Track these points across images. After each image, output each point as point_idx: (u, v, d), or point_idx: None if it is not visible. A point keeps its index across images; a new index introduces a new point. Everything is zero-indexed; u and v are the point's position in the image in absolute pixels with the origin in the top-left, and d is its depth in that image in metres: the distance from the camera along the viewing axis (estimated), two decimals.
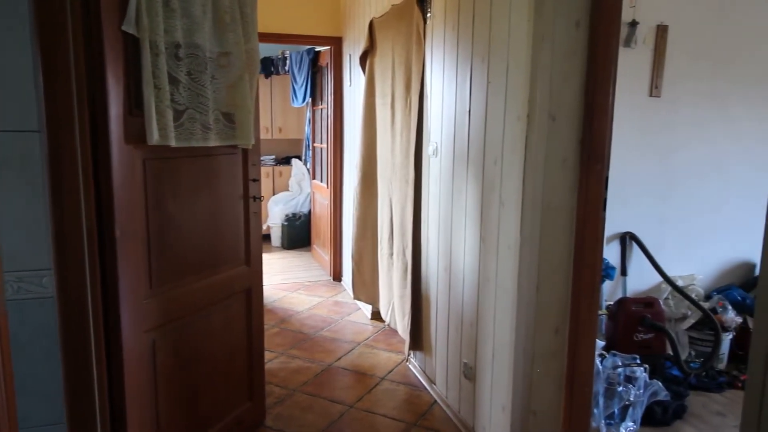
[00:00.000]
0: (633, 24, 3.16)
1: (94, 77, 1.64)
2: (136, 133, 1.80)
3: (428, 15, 2.87)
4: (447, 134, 2.69)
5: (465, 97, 2.48)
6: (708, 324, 3.16)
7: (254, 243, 2.45)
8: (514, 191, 2.08)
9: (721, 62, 3.35)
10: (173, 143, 1.90)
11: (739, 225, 3.52)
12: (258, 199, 2.46)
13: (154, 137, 1.82)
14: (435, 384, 2.93)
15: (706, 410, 2.80)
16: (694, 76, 3.33)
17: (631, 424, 2.51)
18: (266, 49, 6.28)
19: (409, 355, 3.30)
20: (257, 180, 2.44)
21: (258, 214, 2.47)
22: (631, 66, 3.21)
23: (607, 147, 2.08)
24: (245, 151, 2.37)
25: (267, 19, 4.61)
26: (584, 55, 2.00)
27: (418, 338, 3.17)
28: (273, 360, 3.36)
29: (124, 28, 1.72)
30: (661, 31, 3.24)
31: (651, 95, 3.30)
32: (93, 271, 1.64)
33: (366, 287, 3.98)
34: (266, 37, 4.73)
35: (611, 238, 3.35)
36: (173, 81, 1.92)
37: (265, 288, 4.81)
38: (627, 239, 3.35)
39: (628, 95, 3.23)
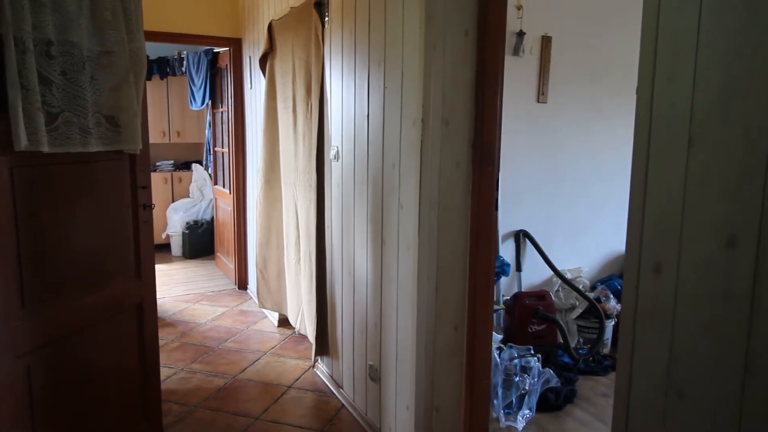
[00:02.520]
0: (520, 34, 3.36)
1: None
2: (0, 138, 1.63)
3: (326, 19, 2.87)
4: (347, 138, 2.70)
5: (363, 101, 2.50)
6: (593, 312, 3.42)
7: (145, 254, 2.31)
8: (411, 194, 2.13)
9: (599, 70, 3.64)
10: (46, 149, 1.74)
11: (618, 220, 3.85)
12: (149, 207, 2.32)
13: (23, 142, 1.66)
14: (342, 388, 2.93)
15: (593, 393, 3.03)
16: (576, 82, 3.60)
17: (527, 411, 2.65)
18: (161, 49, 5.98)
19: (316, 361, 3.27)
20: (147, 187, 2.30)
21: (149, 224, 2.33)
22: (519, 73, 3.41)
23: (497, 150, 2.19)
24: (133, 157, 2.23)
25: (162, 18, 4.39)
26: (474, 62, 2.10)
27: (324, 343, 3.15)
28: (172, 376, 3.19)
29: None
30: (546, 41, 3.47)
31: (538, 101, 3.52)
32: None
33: (272, 294, 3.89)
34: (161, 37, 4.50)
35: (506, 236, 3.53)
36: (45, 81, 1.77)
37: (164, 300, 4.64)
38: (521, 237, 3.54)
39: (518, 101, 3.43)
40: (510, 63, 3.34)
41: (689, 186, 1.12)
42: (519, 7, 3.32)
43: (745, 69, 1.01)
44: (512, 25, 3.32)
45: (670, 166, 1.16)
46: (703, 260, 1.10)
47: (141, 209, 2.28)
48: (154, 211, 2.35)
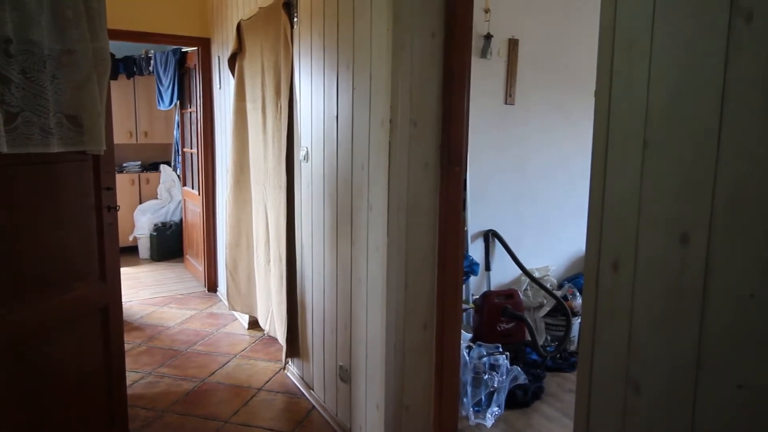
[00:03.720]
0: (488, 37, 3.41)
1: None
2: None
3: (295, 20, 2.86)
4: (317, 139, 2.70)
5: (333, 102, 2.50)
6: (560, 310, 3.50)
7: (111, 256, 2.27)
8: (380, 194, 2.14)
9: (565, 73, 3.72)
10: (4, 149, 1.70)
11: (583, 219, 3.93)
12: (113, 209, 2.27)
13: None
14: (313, 390, 2.92)
15: (560, 389, 3.09)
16: (542, 85, 3.67)
17: (496, 408, 2.69)
18: (128, 48, 5.86)
19: (286, 363, 3.25)
20: (112, 188, 2.26)
21: (114, 225, 2.29)
22: (488, 76, 3.46)
23: (464, 151, 2.23)
24: (96, 158, 2.19)
25: (128, 17, 4.30)
26: (441, 64, 2.12)
27: (295, 345, 3.13)
28: (139, 381, 3.13)
29: None
30: (513, 44, 3.53)
31: (506, 103, 3.58)
32: None
33: (242, 296, 3.85)
34: (127, 36, 4.42)
35: (476, 236, 3.58)
36: (3, 80, 1.72)
37: (132, 304, 4.54)
38: (490, 236, 3.59)
39: (487, 103, 3.48)
40: (478, 65, 3.39)
41: (645, 186, 1.16)
42: (486, 10, 3.37)
43: (694, 75, 1.05)
44: (480, 27, 3.37)
45: (626, 167, 1.20)
46: (658, 257, 1.14)
47: (105, 211, 2.23)
48: (120, 212, 2.31)
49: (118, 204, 2.31)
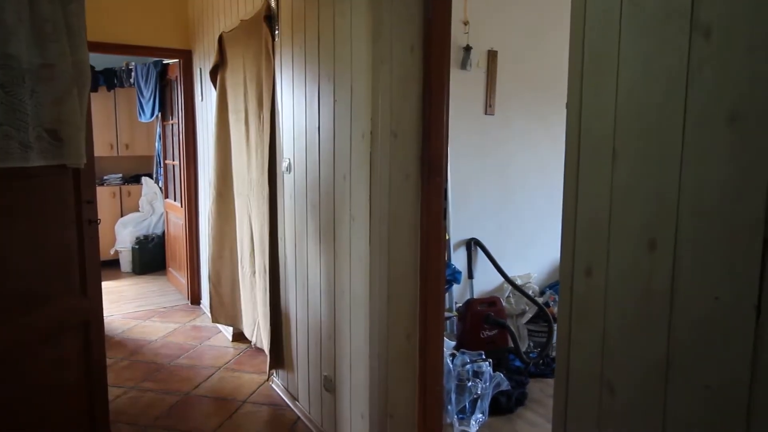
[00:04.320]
0: (467, 48, 3.47)
1: None
2: None
3: (276, 32, 2.89)
4: (299, 151, 2.72)
5: (314, 114, 2.53)
6: (543, 317, 3.54)
7: (92, 271, 2.25)
8: (362, 205, 2.17)
9: (544, 83, 3.80)
10: None
11: None
12: (94, 222, 2.27)
13: None
14: (298, 401, 2.92)
15: (543, 394, 3.13)
16: (522, 95, 3.74)
17: (480, 415, 2.72)
18: (109, 60, 5.84)
19: (271, 374, 3.25)
20: (92, 202, 2.25)
21: (95, 239, 2.28)
22: (467, 87, 3.52)
23: (444, 161, 2.26)
24: (77, 171, 2.18)
25: (109, 29, 4.30)
26: (420, 77, 2.16)
27: (279, 356, 3.13)
28: (122, 396, 3.10)
29: None
30: (492, 55, 3.60)
31: (486, 113, 3.64)
32: None
33: (226, 309, 3.84)
34: (108, 48, 4.41)
35: (458, 245, 3.62)
36: None
37: (114, 318, 4.49)
38: (472, 245, 3.64)
39: (467, 113, 3.54)
40: (458, 76, 3.45)
41: (615, 194, 1.20)
42: (465, 23, 3.44)
43: (658, 88, 1.10)
44: (460, 39, 3.43)
45: (597, 176, 1.24)
46: (628, 263, 1.18)
47: (86, 224, 2.22)
48: (101, 226, 2.31)
49: (99, 217, 2.30)
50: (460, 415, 2.70)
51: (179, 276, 5.26)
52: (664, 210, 1.10)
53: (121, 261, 6.08)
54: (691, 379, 1.06)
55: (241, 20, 3.30)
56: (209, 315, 4.21)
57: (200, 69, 4.43)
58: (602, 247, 1.23)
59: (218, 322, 3.95)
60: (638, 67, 1.14)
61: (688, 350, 1.07)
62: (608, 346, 1.23)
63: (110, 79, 6.06)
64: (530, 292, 3.65)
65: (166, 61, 5.25)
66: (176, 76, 4.90)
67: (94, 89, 5.99)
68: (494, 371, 2.84)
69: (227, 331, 4.04)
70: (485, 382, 2.72)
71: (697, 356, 1.05)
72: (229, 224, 3.71)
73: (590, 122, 1.26)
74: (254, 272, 3.39)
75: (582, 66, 1.27)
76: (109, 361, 3.33)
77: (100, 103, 6.14)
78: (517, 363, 3.29)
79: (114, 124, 6.36)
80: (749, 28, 0.95)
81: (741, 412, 0.98)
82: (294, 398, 2.96)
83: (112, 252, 6.03)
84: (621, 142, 1.18)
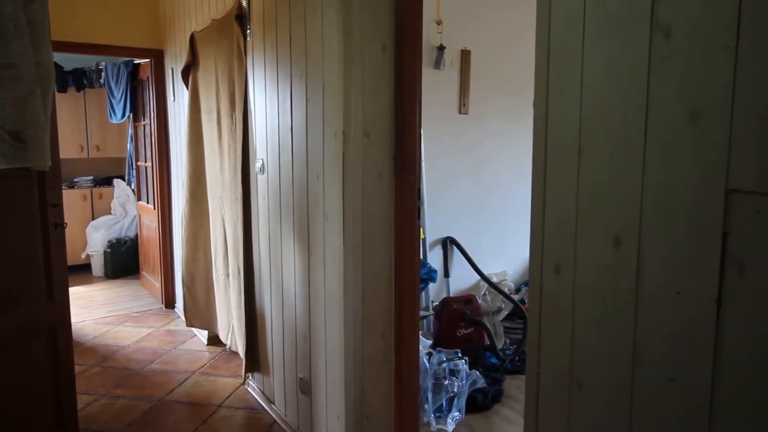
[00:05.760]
0: (441, 48, 3.48)
1: None
2: None
3: (248, 32, 2.86)
4: (272, 151, 2.69)
5: (287, 114, 2.51)
6: (518, 314, 3.57)
7: (58, 275, 2.20)
8: (336, 205, 2.15)
9: (516, 82, 3.83)
10: None
11: None
12: (60, 226, 2.21)
13: None
14: (274, 404, 2.89)
15: (519, 391, 3.16)
16: (495, 94, 3.77)
17: (456, 413, 2.73)
18: (78, 60, 5.71)
19: (247, 378, 3.21)
20: (58, 205, 2.20)
21: (61, 243, 2.22)
22: (441, 86, 3.54)
23: (417, 160, 2.27)
24: (42, 174, 2.13)
25: (77, 28, 4.20)
26: (392, 76, 2.16)
27: (255, 359, 3.10)
28: (92, 403, 3.03)
29: None
30: (465, 55, 3.62)
31: (460, 112, 3.66)
32: None
33: (200, 312, 3.78)
34: (76, 48, 4.31)
35: (434, 244, 3.63)
36: None
37: (84, 324, 4.39)
38: (448, 243, 3.65)
39: (441, 112, 3.55)
40: (432, 76, 3.47)
41: (581, 192, 1.22)
42: (438, 22, 3.45)
43: (621, 86, 1.12)
44: (433, 39, 3.45)
45: (564, 174, 1.25)
46: (595, 260, 1.19)
47: (52, 228, 2.17)
48: (72, 229, 2.26)
49: (66, 221, 2.25)
50: (437, 414, 2.71)
51: (153, 279, 5.17)
52: (628, 207, 1.11)
53: (93, 265, 5.95)
54: (657, 373, 1.08)
55: (212, 20, 3.25)
56: (183, 319, 4.15)
57: (172, 69, 4.36)
58: (570, 245, 1.25)
59: (193, 326, 3.89)
60: (602, 66, 1.15)
61: (653, 345, 1.08)
62: (577, 342, 1.24)
63: (80, 80, 5.92)
64: (506, 290, 3.68)
65: (137, 61, 5.15)
66: (148, 76, 4.82)
67: (63, 90, 5.85)
68: (471, 369, 2.85)
69: (202, 335, 3.99)
70: (461, 380, 2.73)
71: (662, 351, 1.07)
72: (203, 226, 3.66)
73: (556, 121, 1.27)
74: (228, 274, 3.34)
75: (547, 65, 1.28)
76: (79, 368, 3.27)
77: (69, 104, 6.00)
78: (494, 360, 3.32)
79: (84, 126, 6.22)
80: (707, 27, 0.97)
81: (704, 404, 1.00)
82: (270, 401, 2.94)
83: (83, 256, 5.90)
84: (586, 140, 1.20)
